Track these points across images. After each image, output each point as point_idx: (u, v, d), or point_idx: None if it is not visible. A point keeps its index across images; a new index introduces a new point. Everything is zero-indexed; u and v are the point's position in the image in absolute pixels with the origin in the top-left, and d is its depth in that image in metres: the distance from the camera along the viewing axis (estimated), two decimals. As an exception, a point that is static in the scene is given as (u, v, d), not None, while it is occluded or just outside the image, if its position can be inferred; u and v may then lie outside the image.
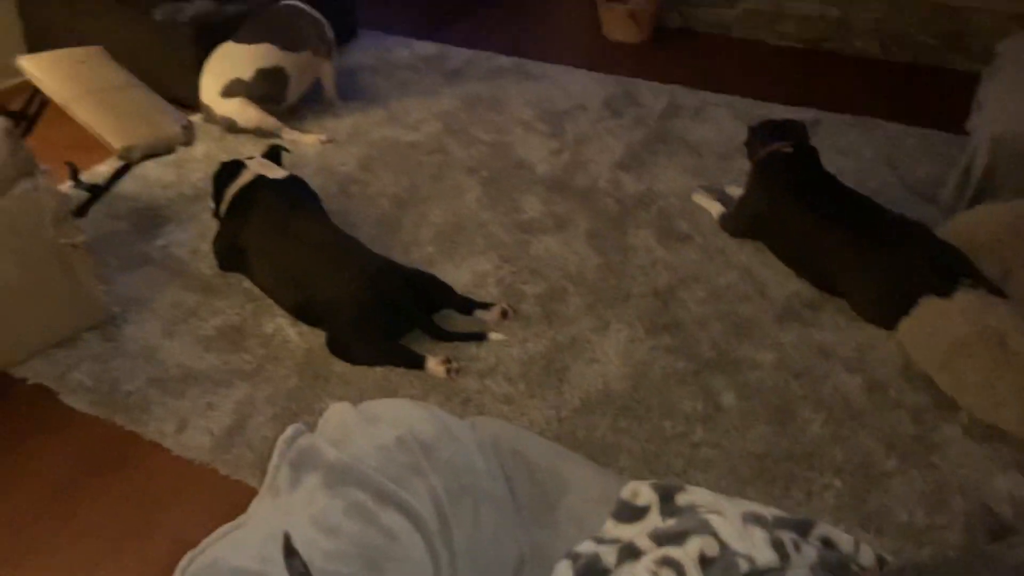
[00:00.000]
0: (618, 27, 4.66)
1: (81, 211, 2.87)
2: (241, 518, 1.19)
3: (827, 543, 1.28)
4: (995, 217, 2.65)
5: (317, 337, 2.50)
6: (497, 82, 4.12)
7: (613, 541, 1.30)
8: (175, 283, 2.73)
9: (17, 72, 2.98)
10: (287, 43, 3.58)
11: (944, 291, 2.37)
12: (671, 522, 1.31)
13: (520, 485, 1.38)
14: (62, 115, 2.83)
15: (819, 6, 4.53)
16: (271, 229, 2.62)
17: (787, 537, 1.24)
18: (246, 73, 3.51)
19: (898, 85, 4.21)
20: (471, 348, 2.46)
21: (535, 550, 1.32)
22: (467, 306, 2.58)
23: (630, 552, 1.23)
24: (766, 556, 1.18)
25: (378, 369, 2.39)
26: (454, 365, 2.36)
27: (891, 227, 2.60)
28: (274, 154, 2.94)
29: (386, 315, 2.45)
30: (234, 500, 1.95)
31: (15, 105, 3.05)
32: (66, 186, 2.92)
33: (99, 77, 2.90)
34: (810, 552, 1.23)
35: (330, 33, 3.75)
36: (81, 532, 1.99)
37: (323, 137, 3.58)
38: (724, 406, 2.29)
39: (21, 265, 2.30)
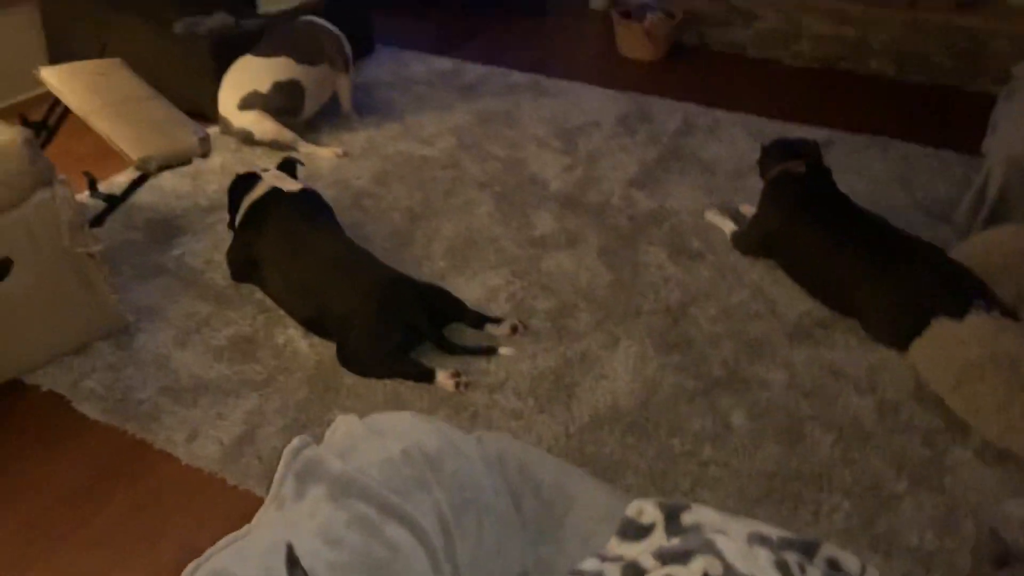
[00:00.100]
0: (633, 45, 4.68)
1: (97, 221, 2.91)
2: (246, 528, 1.20)
3: (833, 565, 1.27)
4: (1009, 239, 2.63)
5: (328, 349, 2.51)
6: (512, 98, 4.15)
7: (617, 559, 1.29)
8: (189, 293, 2.75)
9: (39, 83, 3.03)
10: (305, 57, 3.62)
11: (957, 313, 2.36)
12: (675, 541, 1.31)
13: (525, 501, 1.38)
14: (82, 126, 2.87)
15: (835, 26, 4.53)
16: (285, 241, 2.64)
17: (792, 558, 1.24)
18: (263, 86, 3.54)
19: (913, 106, 4.20)
20: (481, 362, 2.47)
21: (539, 566, 1.32)
22: (478, 320, 2.59)
23: (634, 571, 1.23)
24: (770, 577, 1.18)
25: (388, 382, 2.40)
26: (463, 379, 2.37)
27: (903, 248, 2.60)
28: (289, 166, 2.96)
29: (397, 328, 2.46)
30: (242, 510, 1.97)
31: (36, 115, 3.09)
32: (83, 196, 2.96)
33: (118, 89, 2.94)
34: (815, 574, 1.22)
35: (347, 48, 3.79)
36: (91, 539, 2.00)
37: (339, 151, 3.60)
38: (733, 425, 2.29)
39: (37, 273, 2.33)
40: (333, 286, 2.51)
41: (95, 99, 2.85)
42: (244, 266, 2.75)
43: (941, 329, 2.37)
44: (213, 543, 1.21)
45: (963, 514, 2.03)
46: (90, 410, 2.32)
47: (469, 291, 2.75)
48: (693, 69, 4.61)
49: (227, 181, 2.91)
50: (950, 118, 4.06)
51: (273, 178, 2.82)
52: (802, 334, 2.61)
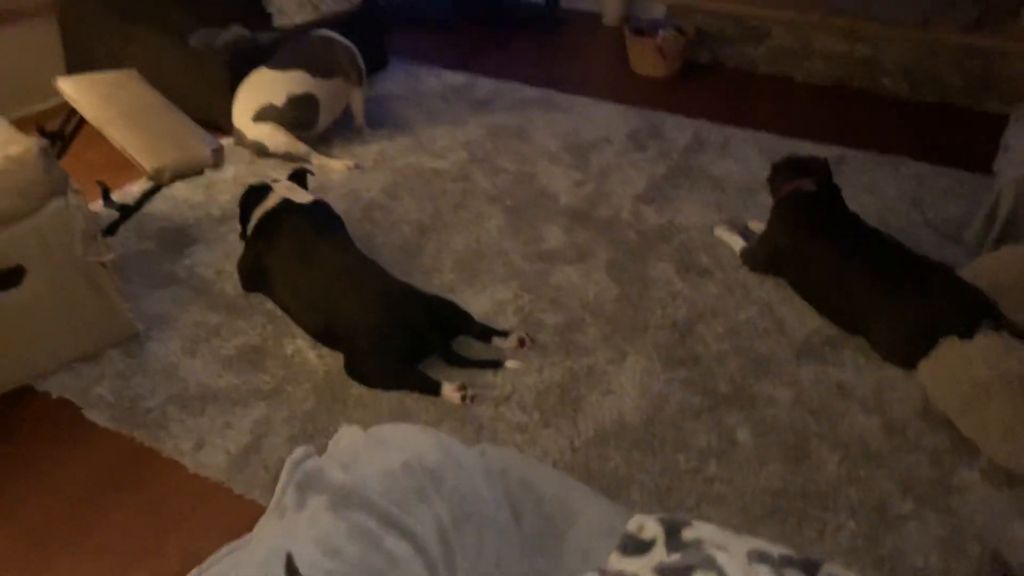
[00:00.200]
0: (646, 61, 4.70)
1: (111, 230, 2.93)
2: (246, 537, 1.21)
3: (834, 584, 1.27)
4: (1019, 259, 2.63)
5: (336, 359, 2.52)
6: (524, 113, 4.17)
7: (617, 574, 1.29)
8: (199, 302, 2.77)
9: (56, 93, 3.07)
10: (319, 70, 3.65)
11: (965, 333, 2.35)
12: (676, 557, 1.30)
13: (526, 514, 1.38)
14: (97, 136, 2.90)
15: (848, 44, 4.54)
16: (295, 252, 2.66)
17: (792, 576, 1.23)
18: (278, 99, 3.58)
19: (926, 124, 4.20)
20: (487, 375, 2.47)
21: (539, 580, 1.32)
22: (485, 333, 2.60)
23: (633, 585, 1.23)
24: (769, 595, 1.18)
25: (394, 393, 2.41)
26: (469, 392, 2.37)
27: (913, 267, 2.59)
28: (299, 177, 2.99)
29: (405, 340, 2.47)
30: (247, 520, 1.96)
31: (52, 125, 3.13)
32: (97, 205, 2.99)
33: (133, 100, 2.97)
34: (815, 593, 1.22)
35: (361, 62, 3.82)
36: (97, 547, 2.01)
37: (351, 163, 3.63)
38: (739, 442, 2.28)
39: (50, 281, 2.35)
40: (342, 297, 2.53)
41: (110, 109, 2.88)
42: (255, 276, 2.77)
43: (950, 349, 2.37)
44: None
45: (969, 536, 2.02)
46: (99, 417, 2.34)
47: (477, 304, 2.76)
48: (705, 86, 4.62)
49: (240, 192, 2.94)
50: (962, 137, 4.05)
51: (284, 189, 2.85)
52: (810, 352, 2.60)
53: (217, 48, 3.73)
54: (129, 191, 3.30)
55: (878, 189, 3.53)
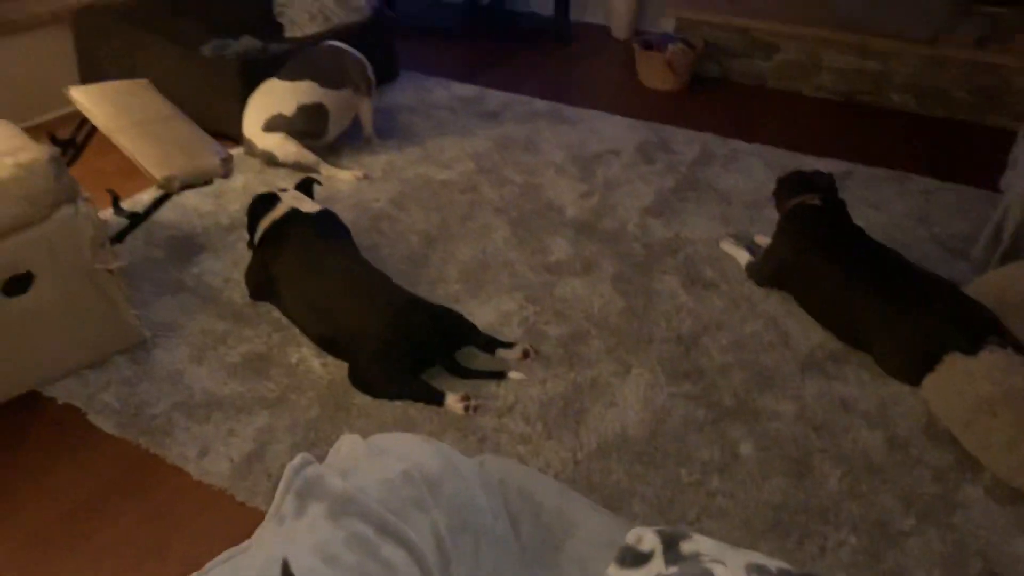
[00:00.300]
0: (654, 75, 4.71)
1: (119, 237, 2.96)
2: (245, 543, 1.22)
3: (830, 599, 1.27)
4: (1025, 276, 2.62)
5: (340, 368, 2.53)
6: (532, 125, 4.19)
7: (614, 586, 1.30)
8: (206, 310, 2.79)
9: (70, 102, 3.10)
10: (329, 81, 3.68)
11: (970, 349, 2.35)
12: (673, 570, 1.31)
13: (525, 525, 1.39)
14: (108, 144, 2.93)
15: (857, 59, 4.55)
16: (302, 261, 2.68)
17: (789, 590, 1.23)
18: (288, 109, 3.60)
19: (934, 140, 4.19)
20: (491, 386, 2.48)
21: (536, 591, 1.33)
22: (489, 344, 2.61)
23: (629, 597, 1.23)
24: (765, 608, 1.18)
25: (398, 403, 2.41)
26: (473, 403, 2.38)
27: (917, 282, 2.59)
28: (306, 187, 3.01)
29: (409, 350, 2.48)
30: (249, 527, 1.96)
31: (64, 133, 3.16)
32: (107, 213, 3.02)
33: (144, 109, 3.00)
34: (811, 607, 1.22)
35: (371, 73, 3.85)
36: (100, 552, 2.02)
37: (359, 173, 3.65)
38: (742, 456, 2.28)
39: (58, 287, 2.37)
40: (347, 306, 2.54)
41: (121, 118, 2.91)
42: (262, 285, 2.79)
43: (954, 365, 2.36)
44: (217, 559, 1.23)
45: (972, 552, 2.01)
46: (104, 423, 2.36)
47: (482, 315, 2.77)
48: (713, 100, 4.63)
49: (248, 201, 2.96)
50: (969, 153, 4.05)
51: (291, 199, 2.87)
52: (814, 366, 2.60)
53: (229, 58, 3.77)
54: (139, 199, 3.33)
55: (885, 204, 3.52)
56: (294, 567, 1.07)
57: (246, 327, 2.72)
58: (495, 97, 4.51)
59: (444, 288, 2.93)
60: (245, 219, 2.95)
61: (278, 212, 2.81)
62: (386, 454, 1.32)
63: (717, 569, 1.26)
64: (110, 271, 2.46)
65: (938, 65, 4.37)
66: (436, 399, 2.40)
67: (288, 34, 4.20)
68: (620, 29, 5.46)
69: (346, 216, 3.01)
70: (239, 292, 2.87)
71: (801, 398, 2.48)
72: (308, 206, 2.86)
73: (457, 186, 3.61)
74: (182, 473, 2.22)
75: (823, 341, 2.70)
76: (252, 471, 2.21)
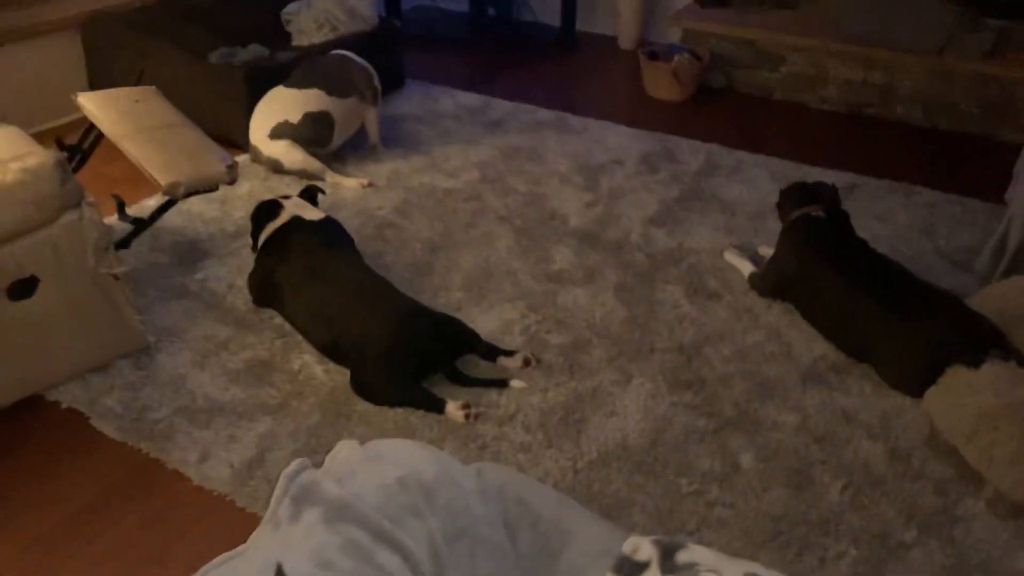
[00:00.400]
0: (660, 85, 4.72)
1: (124, 243, 2.98)
2: (241, 547, 1.22)
3: (826, 610, 1.27)
4: (1028, 289, 2.61)
5: (342, 375, 2.54)
6: (537, 134, 4.20)
7: (610, 595, 1.29)
8: (210, 316, 2.81)
9: (78, 108, 3.12)
10: (335, 89, 3.70)
11: (973, 362, 2.34)
12: (669, 579, 1.30)
13: (521, 533, 1.39)
14: (114, 150, 2.95)
15: (863, 71, 4.55)
16: (305, 268, 2.69)
17: (784, 601, 1.23)
18: (294, 117, 3.63)
19: (939, 152, 4.19)
20: (492, 394, 2.48)
21: (532, 599, 1.32)
22: (491, 353, 2.61)
23: (625, 607, 1.23)
24: (761, 619, 1.17)
25: (399, 410, 2.42)
26: (473, 411, 2.38)
27: (920, 295, 2.59)
28: (310, 194, 3.02)
29: (411, 357, 2.49)
30: (249, 533, 1.97)
31: (71, 139, 3.18)
32: (112, 219, 3.04)
33: (151, 116, 3.02)
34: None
35: (377, 82, 3.87)
36: (101, 555, 2.03)
37: (364, 181, 3.67)
38: (742, 466, 2.28)
39: (62, 292, 2.39)
40: (350, 314, 2.55)
41: (128, 124, 2.93)
42: (265, 291, 2.80)
43: (956, 377, 2.35)
44: (215, 564, 1.23)
45: (972, 566, 2.00)
46: (106, 427, 2.37)
47: (484, 323, 2.77)
48: (719, 110, 4.64)
49: (253, 207, 2.98)
50: (975, 166, 4.04)
51: (295, 206, 2.88)
52: (816, 378, 2.60)
53: (236, 66, 3.79)
54: (145, 205, 3.35)
55: (890, 216, 3.52)
56: (289, 572, 1.08)
57: (249, 333, 2.73)
58: (501, 106, 4.52)
59: (447, 296, 2.93)
60: (249, 226, 2.97)
61: (281, 219, 2.83)
62: (383, 460, 1.32)
63: (713, 579, 1.26)
64: (115, 276, 2.48)
65: (944, 78, 4.36)
66: (437, 406, 2.40)
67: (295, 43, 4.23)
68: (626, 39, 5.48)
69: (351, 223, 3.02)
70: (243, 298, 2.88)
71: (803, 409, 2.47)
72: (311, 213, 2.87)
73: (461, 195, 3.62)
74: (183, 478, 2.23)
75: (825, 352, 2.70)
76: (253, 477, 2.21)
